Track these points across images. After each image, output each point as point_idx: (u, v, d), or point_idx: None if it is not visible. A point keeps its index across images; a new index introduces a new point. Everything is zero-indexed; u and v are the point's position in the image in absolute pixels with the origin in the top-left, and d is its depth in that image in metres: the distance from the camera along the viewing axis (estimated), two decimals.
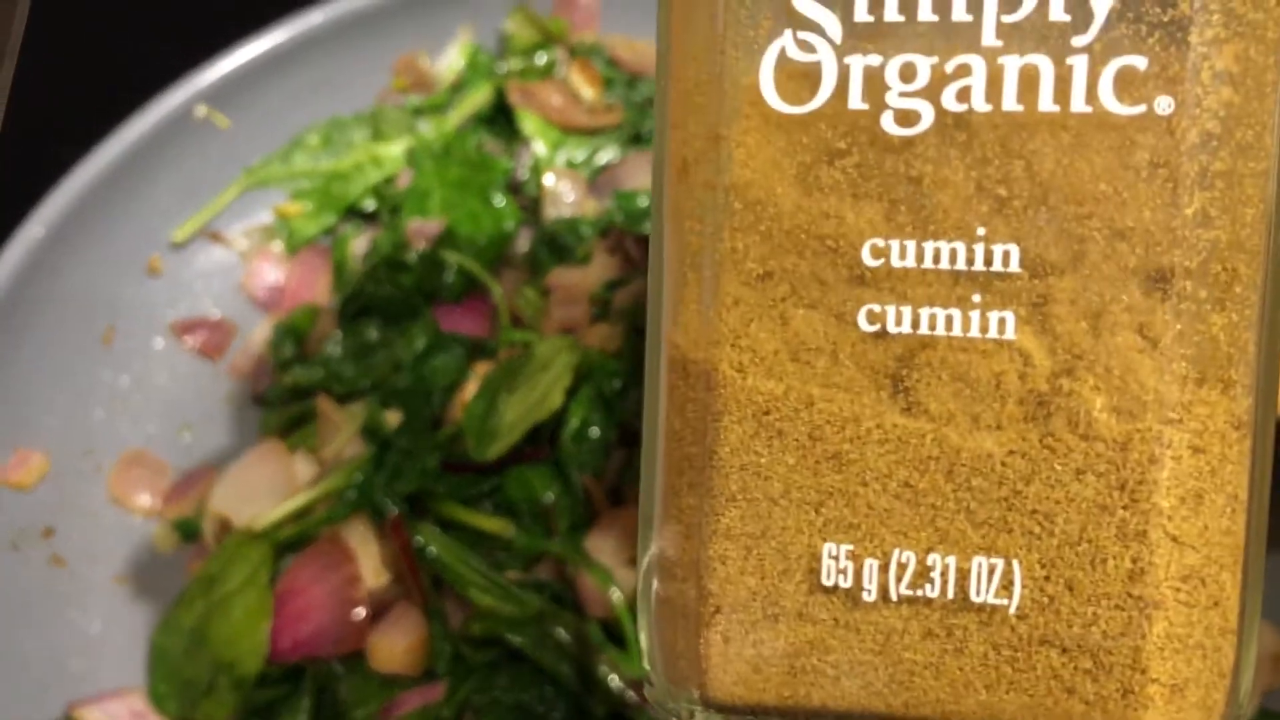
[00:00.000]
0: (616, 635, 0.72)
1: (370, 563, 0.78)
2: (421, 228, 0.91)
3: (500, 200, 0.93)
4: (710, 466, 0.39)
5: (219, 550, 0.80)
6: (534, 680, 0.71)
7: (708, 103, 0.39)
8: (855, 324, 0.38)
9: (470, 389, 0.82)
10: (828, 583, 0.39)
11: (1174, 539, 0.37)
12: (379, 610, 0.76)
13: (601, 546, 0.75)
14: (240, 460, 0.84)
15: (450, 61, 1.03)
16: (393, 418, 0.82)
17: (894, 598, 0.39)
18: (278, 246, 0.98)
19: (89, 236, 0.91)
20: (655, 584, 0.43)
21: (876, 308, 0.38)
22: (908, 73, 0.37)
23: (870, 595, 0.39)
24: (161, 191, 0.95)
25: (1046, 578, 0.37)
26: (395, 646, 0.73)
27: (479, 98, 0.99)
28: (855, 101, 0.37)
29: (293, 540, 0.79)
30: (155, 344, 0.94)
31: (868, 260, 0.38)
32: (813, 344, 0.38)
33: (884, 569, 0.39)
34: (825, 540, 0.39)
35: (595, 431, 0.78)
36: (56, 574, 0.84)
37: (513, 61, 1.00)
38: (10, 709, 0.77)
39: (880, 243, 0.38)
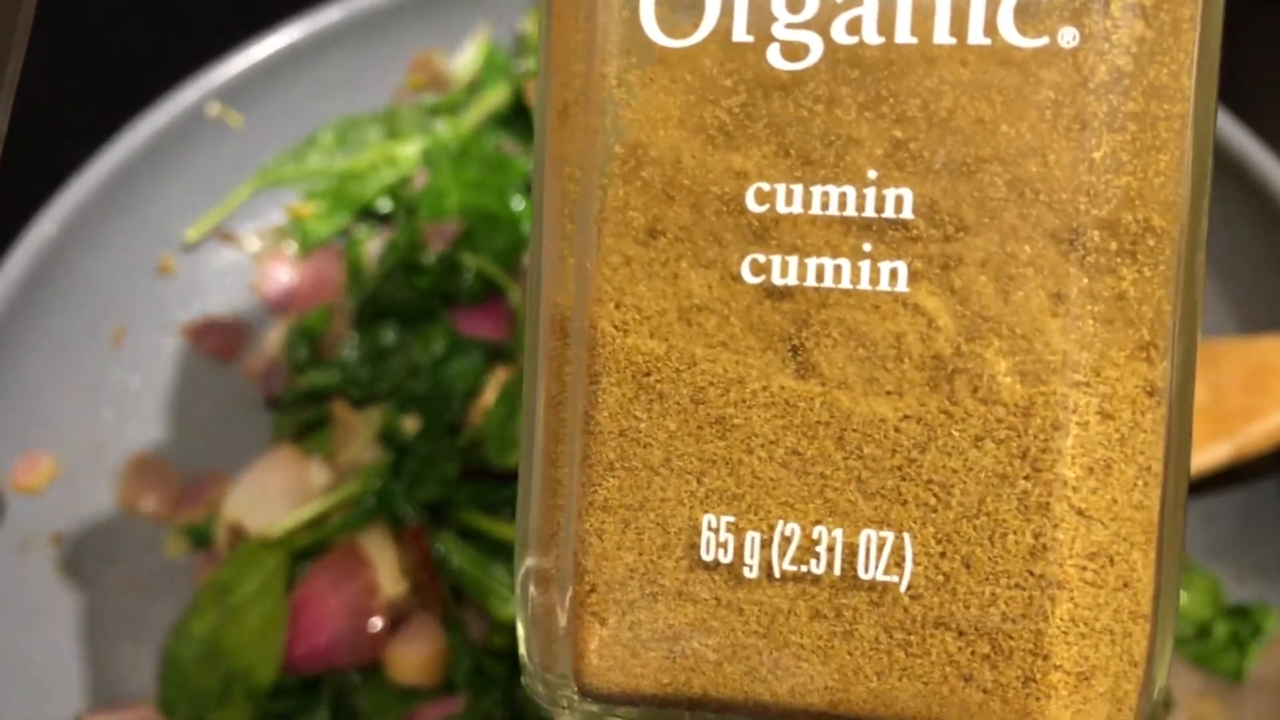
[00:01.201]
0: None
1: (388, 571, 0.76)
2: (438, 229, 0.90)
3: (519, 202, 0.91)
4: (587, 433, 0.37)
5: (232, 557, 0.78)
6: None
7: (588, 39, 0.36)
8: (741, 277, 0.35)
9: (490, 394, 0.81)
10: (708, 558, 0.36)
11: (1079, 512, 0.34)
12: (397, 620, 0.75)
13: None
14: (254, 466, 0.83)
15: (467, 60, 1.01)
16: (411, 423, 0.80)
17: (778, 575, 0.36)
18: (290, 247, 0.96)
19: (100, 236, 0.90)
20: (529, 562, 0.39)
21: (761, 258, 0.35)
22: (795, 1, 0.34)
23: (752, 572, 0.36)
24: (173, 191, 0.94)
25: (942, 554, 0.35)
26: (414, 657, 0.72)
27: (496, 97, 0.98)
28: (740, 34, 0.35)
29: (308, 548, 0.78)
30: (166, 345, 0.93)
31: (753, 206, 0.35)
32: (700, 300, 0.35)
33: (767, 543, 0.36)
34: (706, 511, 0.36)
35: None
36: (65, 579, 0.83)
37: (530, 60, 0.99)
38: (19, 717, 0.75)
39: (766, 187, 0.35)
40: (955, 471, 0.34)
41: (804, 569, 0.36)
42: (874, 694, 0.36)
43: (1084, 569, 0.34)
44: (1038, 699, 0.35)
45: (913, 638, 0.35)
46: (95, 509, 0.86)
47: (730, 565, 0.36)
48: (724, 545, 0.36)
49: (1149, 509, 0.35)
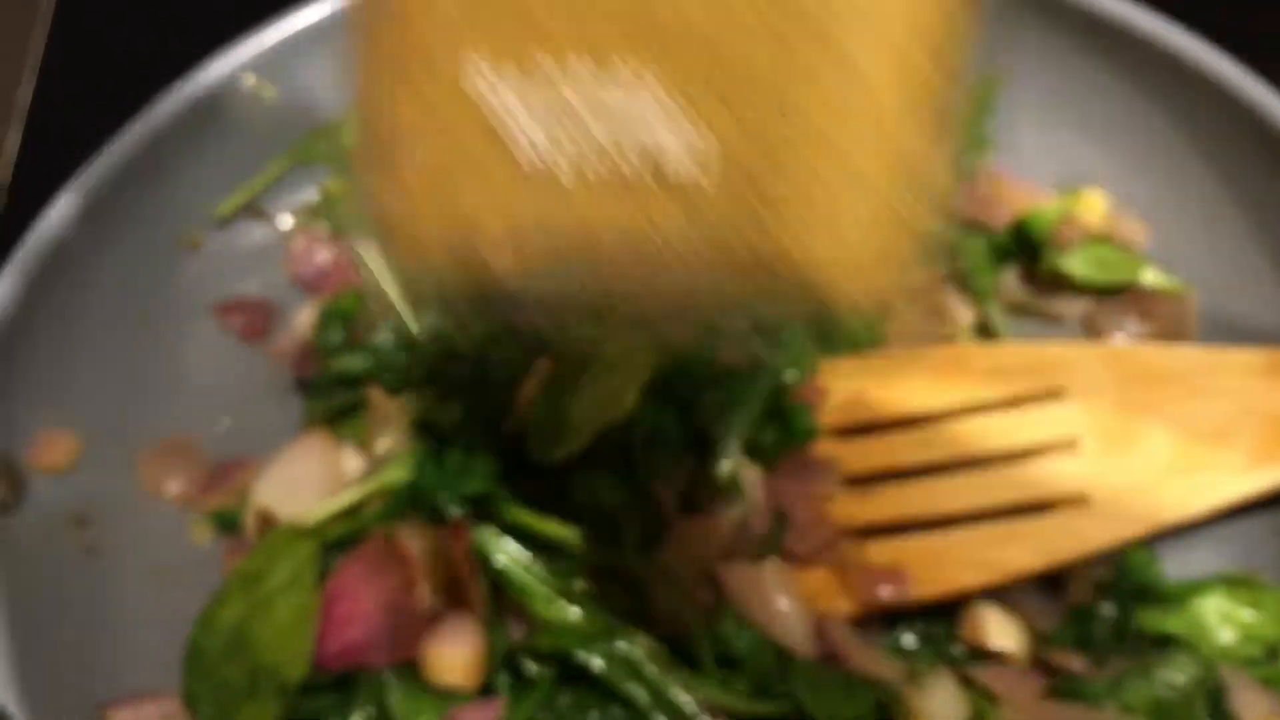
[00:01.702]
0: (690, 655, 0.68)
1: (425, 566, 0.73)
2: None
3: None
4: None
5: (261, 545, 0.75)
6: (600, 701, 0.67)
7: None
8: None
9: (533, 385, 0.78)
10: (486, 107, 0.35)
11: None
12: (433, 618, 0.72)
13: (674, 558, 0.70)
14: (285, 451, 0.80)
15: None
16: (451, 411, 0.77)
17: (540, 133, 0.34)
18: (324, 226, 0.93)
19: (127, 210, 0.87)
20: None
21: None
22: None
23: (522, 128, 0.34)
24: (204, 165, 0.91)
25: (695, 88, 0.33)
26: (453, 658, 0.69)
27: None
28: None
29: (341, 539, 0.75)
30: (193, 324, 0.90)
31: None
32: None
33: (528, 77, 0.34)
34: (473, 50, 0.35)
35: (669, 435, 0.74)
36: (88, 565, 0.80)
37: None
38: (39, 706, 0.72)
39: None
40: None
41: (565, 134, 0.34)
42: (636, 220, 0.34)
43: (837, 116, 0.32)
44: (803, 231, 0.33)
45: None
46: (119, 492, 0.83)
47: (498, 107, 0.35)
48: (493, 88, 0.35)
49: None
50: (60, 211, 0.82)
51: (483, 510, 0.72)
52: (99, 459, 0.83)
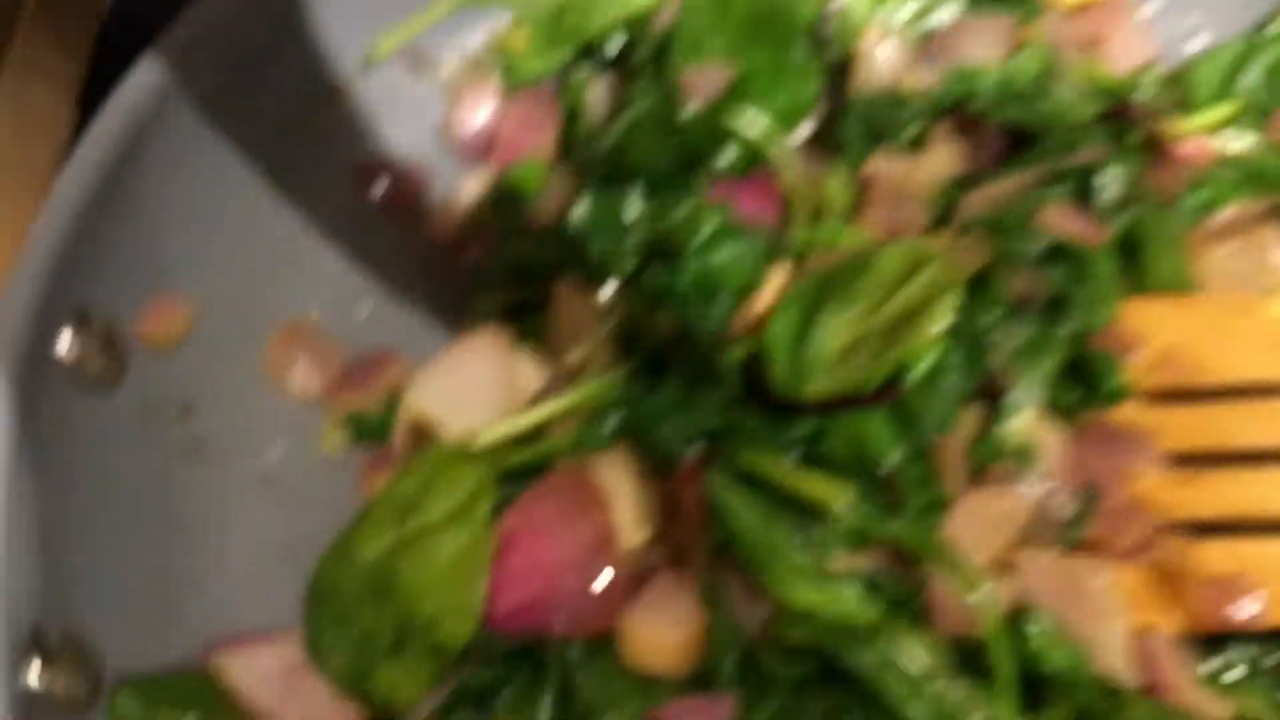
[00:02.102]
0: (979, 663, 0.52)
1: (627, 513, 0.58)
2: (698, 77, 0.69)
3: (800, 56, 0.71)
4: None
5: (416, 465, 0.60)
6: (863, 714, 0.51)
7: None
8: None
9: (768, 296, 0.62)
10: None
11: None
12: (635, 580, 0.56)
13: (962, 536, 0.54)
14: (447, 351, 0.64)
15: None
16: (664, 321, 0.61)
17: None
18: (493, 82, 0.77)
19: (264, 47, 0.70)
20: None
21: None
22: None
23: None
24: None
25: None
26: (661, 635, 0.54)
27: None
28: None
29: (521, 469, 0.59)
30: (333, 187, 0.73)
31: None
32: None
33: None
34: None
35: (953, 380, 0.57)
36: (193, 466, 0.65)
37: None
38: (130, 636, 0.58)
39: None
40: None
41: None
42: None
43: None
44: None
45: None
46: (235, 381, 0.68)
47: None
48: None
49: None
50: (174, 45, 0.65)
51: (714, 453, 0.56)
52: (213, 339, 0.67)
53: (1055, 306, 0.61)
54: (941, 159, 0.67)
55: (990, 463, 0.57)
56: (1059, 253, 0.62)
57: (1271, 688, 0.56)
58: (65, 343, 0.59)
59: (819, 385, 0.56)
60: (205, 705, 0.57)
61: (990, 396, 0.59)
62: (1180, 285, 0.65)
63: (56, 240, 0.60)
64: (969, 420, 0.58)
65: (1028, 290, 0.60)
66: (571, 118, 0.74)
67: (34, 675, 0.53)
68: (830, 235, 0.64)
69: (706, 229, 0.63)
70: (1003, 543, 0.55)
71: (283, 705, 0.57)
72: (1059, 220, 0.62)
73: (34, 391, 0.56)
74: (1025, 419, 0.58)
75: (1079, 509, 0.56)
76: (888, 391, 0.56)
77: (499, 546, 0.56)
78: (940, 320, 0.54)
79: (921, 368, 0.57)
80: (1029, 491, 0.56)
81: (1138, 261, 0.64)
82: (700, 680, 0.54)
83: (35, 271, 0.59)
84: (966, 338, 0.58)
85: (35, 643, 0.53)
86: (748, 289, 0.62)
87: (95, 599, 0.58)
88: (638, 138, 0.67)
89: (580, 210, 0.66)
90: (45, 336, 0.58)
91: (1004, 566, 0.54)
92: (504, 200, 0.69)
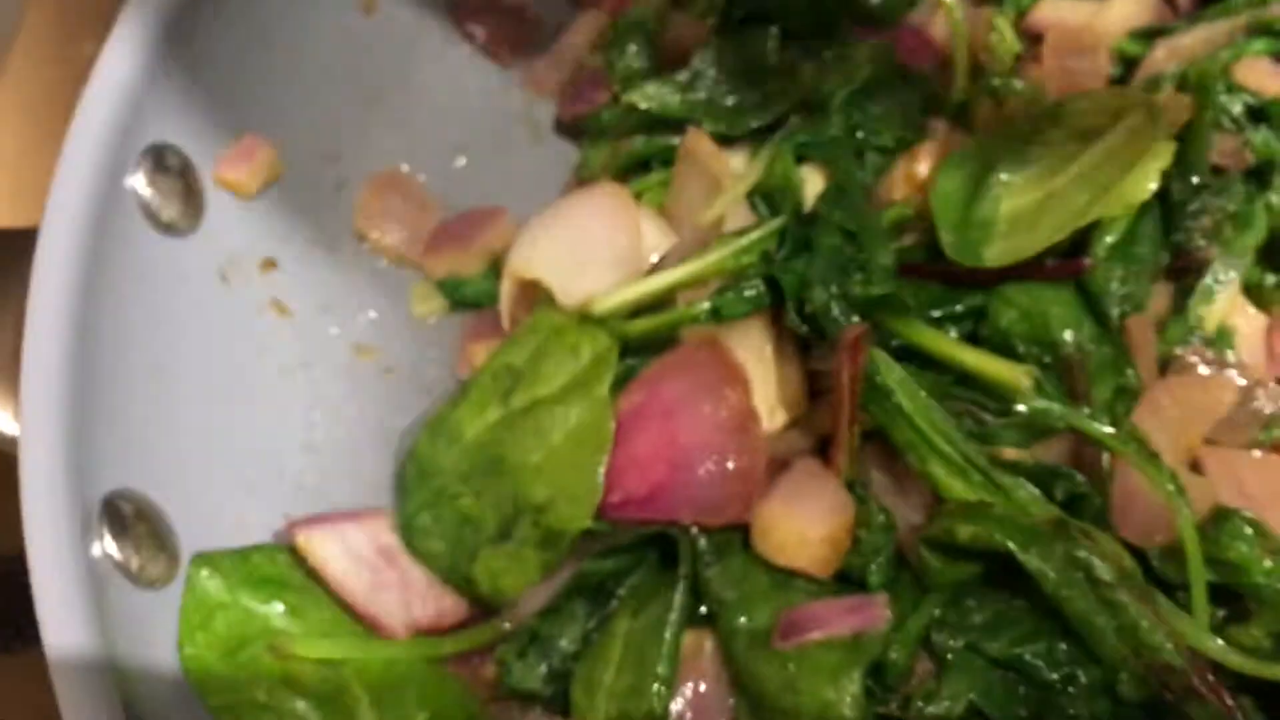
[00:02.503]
0: (1171, 579, 0.45)
1: (767, 392, 0.51)
2: None
3: None
4: None
5: (526, 334, 0.54)
6: (1039, 630, 0.45)
7: None
8: None
9: (925, 158, 0.54)
10: None
11: None
12: (773, 468, 0.50)
13: (1152, 429, 0.47)
14: (565, 207, 0.57)
15: None
16: (812, 179, 0.54)
17: None
18: None
19: None
20: None
21: None
22: None
23: None
24: None
25: None
26: (806, 528, 0.47)
27: None
28: None
29: (646, 339, 0.52)
30: (430, 26, 0.66)
31: None
32: None
33: None
34: None
35: (1145, 251, 0.50)
36: (275, 327, 0.59)
37: None
38: (208, 512, 0.52)
39: None
40: None
41: None
42: None
43: None
44: None
45: None
46: (321, 237, 0.62)
47: None
48: None
49: None
50: None
51: (871, 326, 0.49)
52: (297, 190, 0.61)
53: (1258, 175, 0.53)
54: (1127, 6, 0.59)
55: (1183, 348, 0.49)
56: (1261, 115, 0.54)
57: None
58: (139, 180, 0.53)
59: (994, 251, 0.49)
60: (292, 586, 0.51)
61: (1184, 275, 0.51)
62: None
63: (127, 71, 0.53)
64: (1161, 299, 0.51)
65: (1229, 156, 0.53)
66: None
67: (104, 548, 0.47)
68: (997, 89, 0.56)
69: (863, 74, 0.55)
70: (1198, 438, 0.48)
71: (374, 590, 0.51)
72: (1259, 78, 0.54)
73: (106, 230, 0.50)
74: (1224, 300, 0.51)
75: None
76: (1074, 262, 0.49)
77: (620, 425, 0.50)
78: (1149, 178, 0.46)
79: (1112, 236, 0.49)
80: (1228, 382, 0.49)
81: None
82: (844, 580, 0.48)
83: (105, 103, 0.52)
84: (1161, 204, 0.51)
85: (107, 515, 0.48)
86: (906, 143, 0.55)
87: (171, 470, 0.52)
88: None
89: (708, 55, 0.59)
90: (118, 171, 0.52)
91: (1198, 466, 0.47)
92: (627, 41, 0.61)
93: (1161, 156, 0.47)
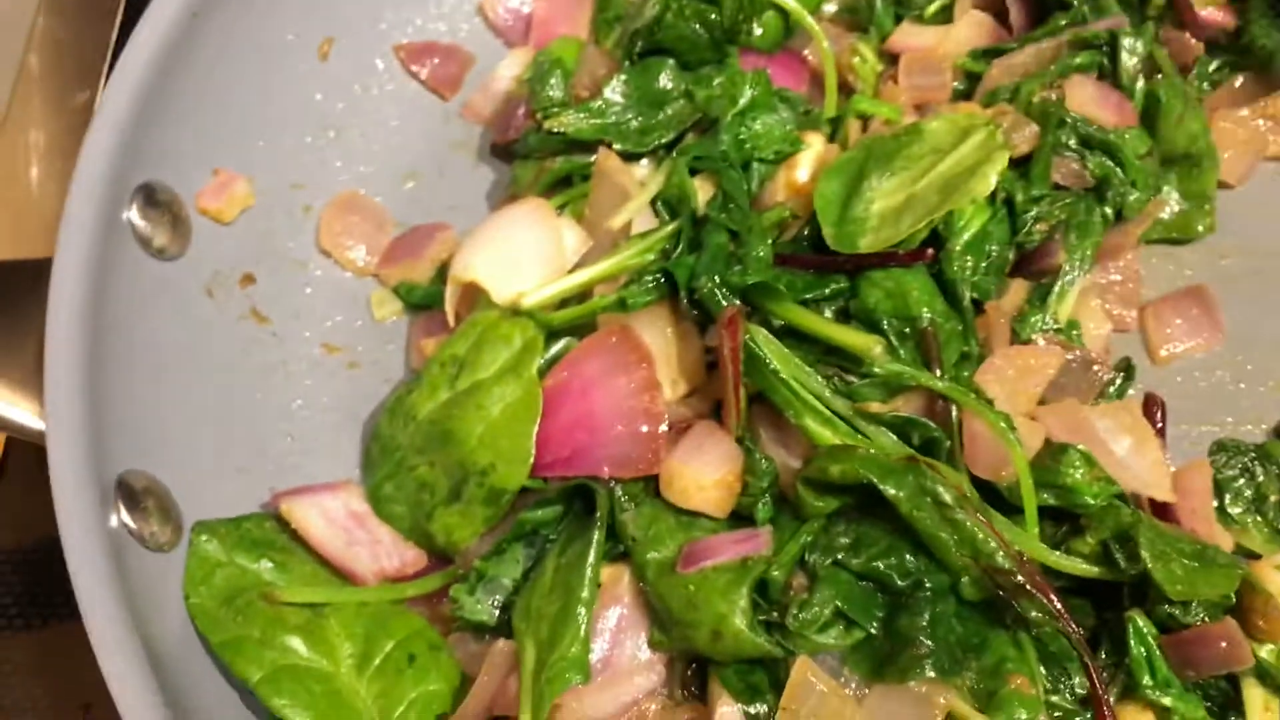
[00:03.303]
0: (1008, 503, 0.56)
1: (668, 366, 0.61)
2: None
3: None
4: None
5: (467, 327, 0.63)
6: (892, 547, 0.55)
7: None
8: None
9: (805, 164, 0.64)
10: None
11: None
12: (680, 427, 0.60)
13: (997, 387, 0.57)
14: (493, 220, 0.67)
15: None
16: (704, 187, 0.64)
17: None
18: None
19: None
20: None
21: None
22: None
23: None
24: None
25: None
26: (702, 477, 0.57)
27: None
28: None
29: (568, 326, 0.62)
30: (378, 67, 0.76)
31: None
32: None
33: None
34: None
35: (994, 248, 0.60)
36: (255, 333, 0.69)
37: None
38: (205, 489, 0.62)
39: None
40: None
41: None
42: None
43: None
44: None
45: None
46: (292, 251, 0.71)
47: None
48: None
49: None
50: None
51: (752, 309, 0.59)
52: (269, 214, 0.71)
53: (1096, 191, 0.64)
54: (968, 29, 0.69)
55: (1036, 334, 0.60)
56: (1093, 142, 0.64)
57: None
58: (134, 214, 0.62)
59: (866, 241, 0.58)
60: (278, 547, 0.61)
61: (1042, 275, 0.62)
62: (1198, 152, 0.68)
63: (120, 122, 0.62)
64: (1020, 294, 0.61)
65: (1070, 177, 0.63)
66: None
67: (121, 518, 0.57)
68: (861, 106, 0.66)
69: (745, 97, 0.65)
70: (1034, 396, 0.58)
71: (348, 546, 0.61)
72: (1088, 105, 0.65)
73: (108, 257, 0.60)
74: (1071, 297, 0.61)
75: (1122, 373, 0.60)
76: (922, 251, 0.59)
77: (547, 399, 0.60)
78: (987, 179, 0.56)
79: (967, 233, 0.60)
80: (1055, 351, 0.59)
81: (1156, 131, 0.67)
82: (738, 518, 0.58)
83: (102, 151, 0.61)
84: (1008, 212, 0.61)
85: (121, 491, 0.57)
86: (785, 155, 0.65)
87: (173, 454, 0.62)
88: (673, 12, 0.69)
89: (617, 85, 0.69)
90: (115, 207, 0.61)
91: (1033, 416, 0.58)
92: (547, 76, 0.71)
93: (998, 163, 0.57)
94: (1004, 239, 0.60)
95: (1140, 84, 0.67)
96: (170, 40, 0.65)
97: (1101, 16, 0.68)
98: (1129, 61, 0.67)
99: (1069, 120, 0.64)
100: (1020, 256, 0.62)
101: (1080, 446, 0.55)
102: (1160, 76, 0.68)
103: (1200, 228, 0.68)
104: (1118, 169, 0.63)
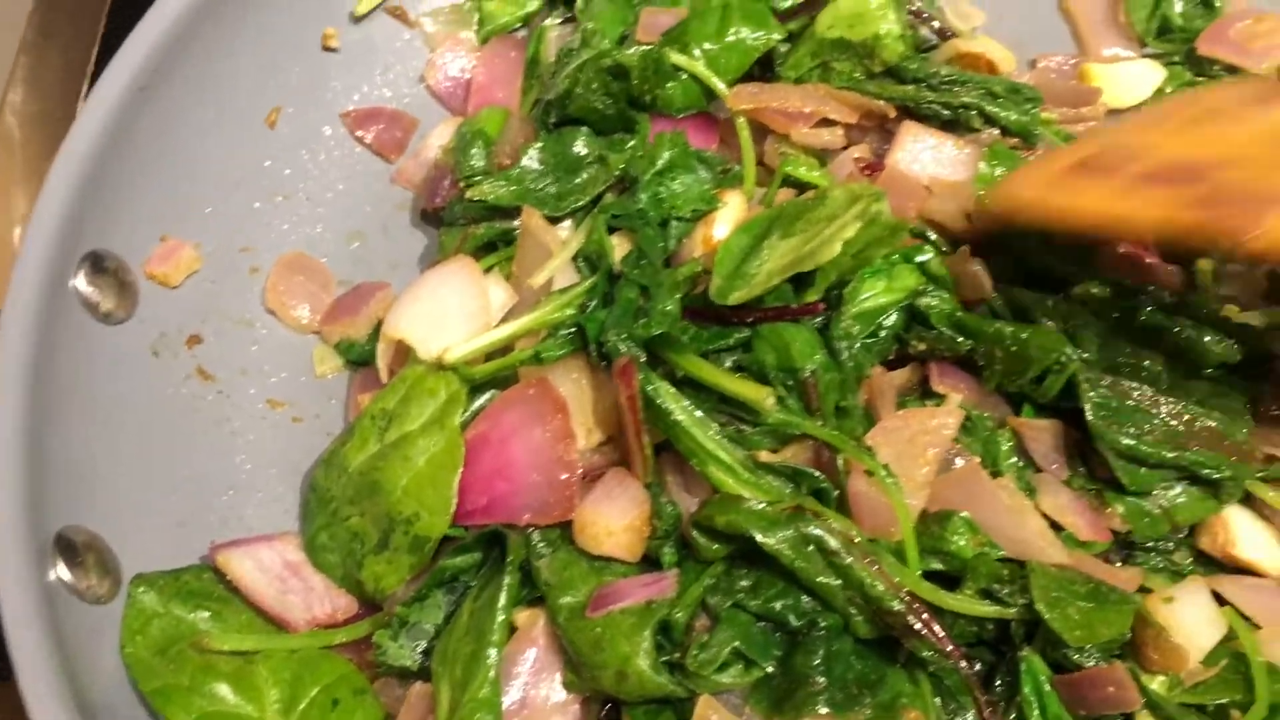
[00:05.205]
0: (893, 548, 0.58)
1: (582, 417, 0.64)
2: (652, 20, 0.74)
3: None
4: None
5: (397, 382, 0.66)
6: (787, 589, 0.57)
7: None
8: None
9: (719, 221, 0.67)
10: None
11: None
12: (589, 477, 0.62)
13: (884, 447, 0.59)
14: (423, 280, 0.70)
15: None
16: (620, 246, 0.67)
17: None
18: (469, 33, 0.82)
19: (258, 3, 0.76)
20: None
21: None
22: None
23: None
24: None
25: None
26: (612, 523, 0.60)
27: None
28: None
29: (489, 380, 0.65)
30: (324, 133, 0.80)
31: None
32: None
33: None
34: None
35: (891, 317, 0.63)
36: (201, 391, 0.72)
37: None
38: (146, 542, 0.65)
39: None
40: None
41: None
42: None
43: None
44: None
45: None
46: (237, 312, 0.74)
47: None
48: None
49: None
50: (181, 3, 0.71)
51: (657, 360, 0.61)
52: (215, 277, 0.74)
53: None
54: None
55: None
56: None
57: (1169, 563, 0.62)
58: (81, 281, 0.66)
59: (742, 294, 0.60)
60: (215, 598, 0.64)
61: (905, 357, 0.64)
62: None
63: (70, 189, 0.66)
64: (905, 373, 0.63)
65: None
66: (533, 64, 0.80)
67: (57, 573, 0.59)
68: (807, 176, 0.69)
69: (663, 159, 0.68)
70: (929, 458, 0.59)
71: (281, 594, 0.64)
72: None
73: (54, 322, 0.63)
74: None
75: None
76: (809, 307, 0.62)
77: (469, 449, 0.63)
78: (828, 249, 0.58)
79: (860, 301, 0.62)
80: (953, 413, 0.61)
81: None
82: (649, 563, 0.60)
83: (51, 218, 0.65)
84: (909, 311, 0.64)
85: (59, 547, 0.60)
86: (701, 213, 0.67)
87: (115, 509, 0.65)
88: (585, 80, 0.72)
89: (534, 153, 0.72)
90: (62, 275, 0.65)
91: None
92: (470, 146, 0.74)
93: (851, 228, 0.59)
94: (897, 327, 0.62)
95: None
96: (117, 114, 0.68)
97: None
98: None
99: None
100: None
101: (964, 514, 0.58)
102: None
103: None
104: None
